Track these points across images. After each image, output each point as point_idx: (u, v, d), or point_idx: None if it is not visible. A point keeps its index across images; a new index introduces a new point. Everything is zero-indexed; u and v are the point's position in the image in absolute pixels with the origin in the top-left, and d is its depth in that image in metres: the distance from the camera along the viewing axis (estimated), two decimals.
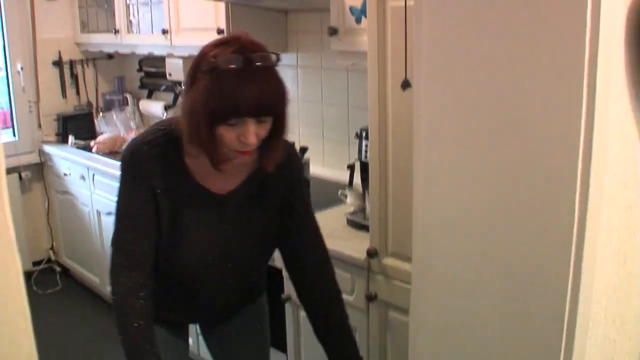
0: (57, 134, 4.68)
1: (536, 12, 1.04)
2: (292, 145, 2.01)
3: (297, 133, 3.60)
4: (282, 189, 1.90)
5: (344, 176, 3.02)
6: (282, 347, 2.85)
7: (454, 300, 1.30)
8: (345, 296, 2.43)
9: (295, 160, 1.97)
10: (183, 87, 1.70)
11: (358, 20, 2.61)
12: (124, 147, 1.80)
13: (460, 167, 1.23)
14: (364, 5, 2.48)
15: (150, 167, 1.73)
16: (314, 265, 1.98)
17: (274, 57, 1.64)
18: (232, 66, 1.56)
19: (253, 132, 1.60)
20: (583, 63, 0.97)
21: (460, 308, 1.29)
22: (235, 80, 1.55)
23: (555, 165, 1.05)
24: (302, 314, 2.65)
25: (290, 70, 3.60)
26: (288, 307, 2.75)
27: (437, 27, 1.20)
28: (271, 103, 1.61)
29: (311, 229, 1.97)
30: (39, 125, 4.71)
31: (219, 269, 1.88)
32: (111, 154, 4.29)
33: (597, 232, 1.06)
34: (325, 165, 3.53)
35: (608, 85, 1.00)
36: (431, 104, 1.25)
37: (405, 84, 1.92)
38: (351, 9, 2.62)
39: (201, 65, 1.61)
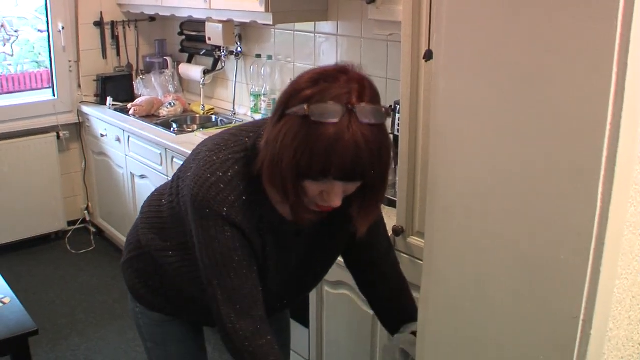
0: (96, 95, 4.68)
1: None
2: None
3: None
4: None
5: None
6: (304, 322, 2.80)
7: (464, 288, 1.22)
8: None
9: None
10: (268, 120, 1.49)
11: None
12: (191, 179, 1.60)
13: (478, 149, 1.14)
14: None
15: (234, 212, 1.54)
16: (379, 257, 1.88)
17: (383, 112, 1.38)
18: (330, 121, 1.32)
19: (339, 194, 1.43)
20: (613, 52, 0.87)
21: (471, 296, 1.21)
22: (331, 137, 1.32)
23: (579, 150, 0.95)
24: (326, 288, 2.61)
25: (329, 39, 3.50)
26: None
27: None
28: (367, 169, 1.36)
29: (380, 228, 1.86)
30: (79, 85, 4.71)
31: (288, 290, 1.83)
32: (147, 117, 4.27)
33: (621, 225, 0.96)
34: None
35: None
36: (452, 79, 1.15)
37: (429, 55, 1.80)
38: None
39: (290, 103, 1.38)
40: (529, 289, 1.09)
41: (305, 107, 1.33)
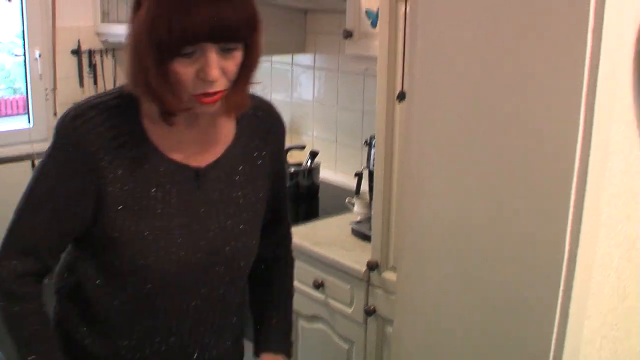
0: None
1: (535, 22, 0.96)
2: (270, 103, 1.60)
3: (310, 136, 3.53)
4: (267, 160, 1.52)
5: (354, 183, 2.95)
6: None
7: (437, 324, 1.22)
8: (343, 307, 2.38)
9: (279, 123, 1.58)
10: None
11: (373, 24, 2.53)
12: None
13: (448, 190, 1.15)
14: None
15: (94, 140, 1.30)
16: (274, 263, 1.67)
17: None
18: None
19: (216, 64, 1.22)
20: (582, 83, 0.89)
21: (443, 333, 1.21)
22: None
23: (547, 191, 0.97)
24: (301, 323, 2.59)
25: (306, 71, 3.53)
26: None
27: (432, 37, 1.12)
28: (233, 23, 1.21)
29: (286, 221, 1.70)
30: (55, 114, 4.69)
31: (202, 272, 1.42)
32: None
33: (590, 266, 0.97)
34: (337, 170, 3.45)
35: (610, 107, 0.92)
36: (424, 121, 1.17)
37: (402, 97, 1.79)
38: (367, 12, 2.55)
39: None
40: (499, 328, 1.09)
41: None
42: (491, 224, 1.06)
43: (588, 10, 0.88)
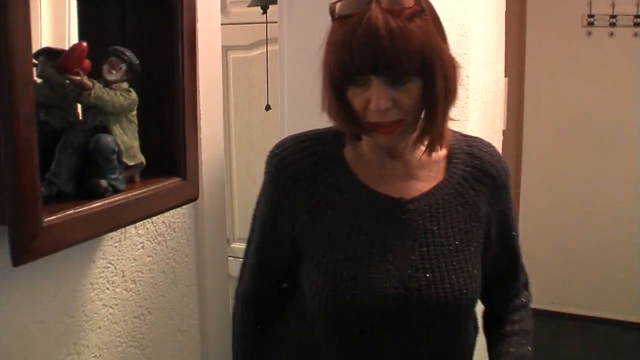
0: None
1: None
2: (491, 146, 1.41)
3: None
4: (484, 211, 1.33)
5: None
6: None
7: None
8: None
9: (499, 169, 1.37)
10: None
11: None
12: None
13: None
14: None
15: (290, 166, 1.30)
16: (508, 314, 1.46)
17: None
18: (350, 12, 1.15)
19: (381, 95, 1.14)
20: None
21: None
22: (350, 28, 1.14)
23: None
24: None
25: None
26: None
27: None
28: (393, 56, 1.12)
29: (520, 278, 1.48)
30: None
31: (403, 316, 1.25)
32: None
33: None
34: None
35: None
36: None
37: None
38: None
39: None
40: None
41: (331, 4, 1.19)
42: None
43: None
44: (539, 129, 4.54)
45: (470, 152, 1.35)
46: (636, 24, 4.21)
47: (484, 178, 1.33)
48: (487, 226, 1.33)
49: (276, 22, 1.95)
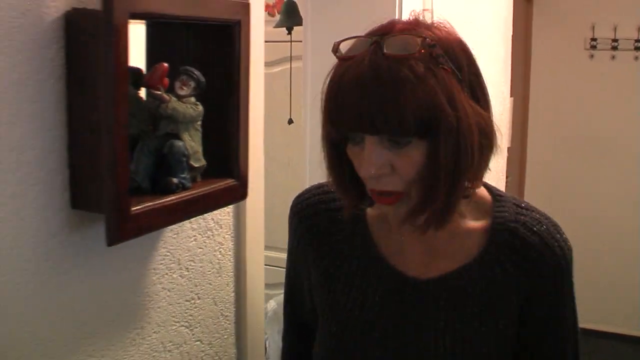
0: None
1: None
2: (553, 222, 1.16)
3: None
4: (520, 298, 1.12)
5: None
6: None
7: None
8: None
9: (555, 260, 1.12)
10: None
11: None
12: None
13: None
14: None
15: (312, 215, 1.23)
16: None
17: (416, 42, 0.96)
18: (351, 55, 0.99)
19: (369, 158, 0.98)
20: None
21: None
22: (350, 75, 0.97)
23: None
24: None
25: None
26: None
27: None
28: (382, 114, 0.94)
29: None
30: None
31: None
32: None
33: None
34: None
35: None
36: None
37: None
38: None
39: None
40: None
41: (335, 42, 1.03)
42: None
43: None
44: (542, 146, 4.69)
45: (515, 231, 1.12)
46: (637, 48, 4.38)
47: (529, 267, 1.11)
48: (518, 313, 1.13)
49: (299, 41, 2.13)
